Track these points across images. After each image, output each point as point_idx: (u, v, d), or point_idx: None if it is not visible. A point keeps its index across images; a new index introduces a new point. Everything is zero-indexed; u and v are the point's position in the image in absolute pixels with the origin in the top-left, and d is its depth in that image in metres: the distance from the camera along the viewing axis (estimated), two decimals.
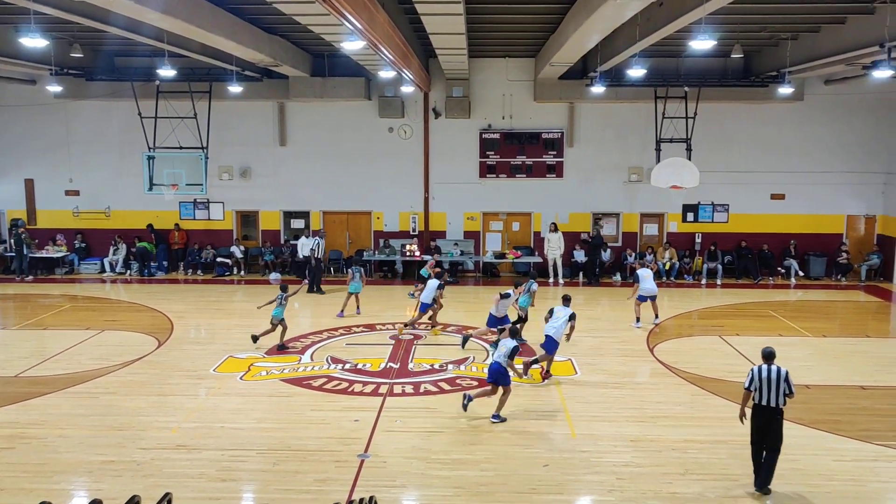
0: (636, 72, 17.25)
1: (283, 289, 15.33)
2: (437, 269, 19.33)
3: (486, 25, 17.47)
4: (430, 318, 16.88)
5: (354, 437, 10.61)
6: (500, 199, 23.57)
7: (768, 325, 17.32)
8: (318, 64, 22.00)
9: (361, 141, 23.43)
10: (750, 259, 22.82)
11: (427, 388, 12.77)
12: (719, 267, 22.65)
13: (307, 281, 21.74)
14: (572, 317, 13.26)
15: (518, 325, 14.23)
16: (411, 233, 23.70)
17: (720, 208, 23.39)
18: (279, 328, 15.08)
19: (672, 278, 22.47)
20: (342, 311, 18.06)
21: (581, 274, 22.73)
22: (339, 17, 10.04)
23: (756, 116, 22.81)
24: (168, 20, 11.71)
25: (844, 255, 22.81)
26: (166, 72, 16.75)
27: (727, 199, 23.27)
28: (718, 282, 22.41)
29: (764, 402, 8.93)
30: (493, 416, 11.25)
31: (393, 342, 15.63)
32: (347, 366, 13.95)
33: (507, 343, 11.39)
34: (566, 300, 13.82)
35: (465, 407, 11.36)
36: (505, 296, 14.97)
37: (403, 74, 18.07)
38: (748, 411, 9.20)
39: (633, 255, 23.12)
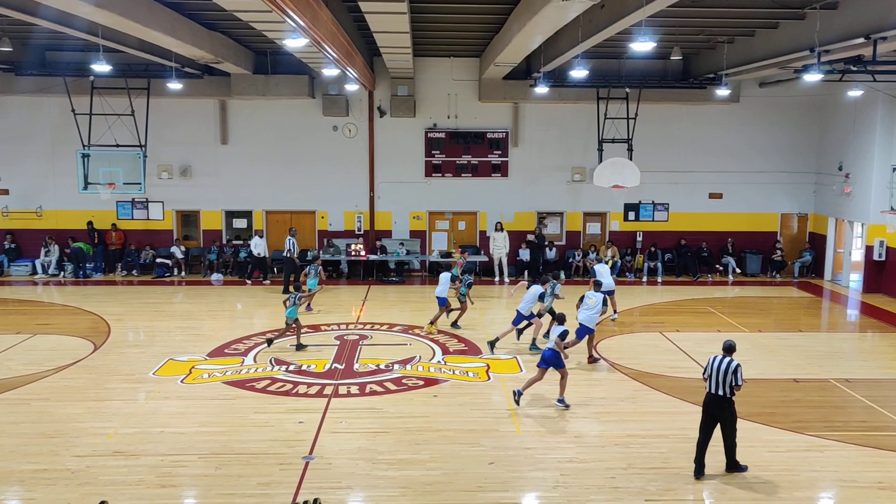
0: (579, 73, 17.49)
1: (297, 288, 15.13)
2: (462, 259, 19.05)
3: (431, 25, 17.46)
4: (445, 314, 16.75)
5: (299, 439, 10.48)
6: (445, 199, 23.61)
7: (707, 322, 17.77)
8: (260, 61, 21.66)
9: (305, 139, 23.17)
10: (689, 257, 23.37)
11: (373, 389, 12.69)
12: (659, 265, 23.14)
13: (265, 281, 21.70)
14: (605, 301, 13.95)
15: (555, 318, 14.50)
16: (356, 232, 23.54)
17: (660, 207, 23.89)
18: (294, 327, 14.94)
19: (614, 276, 22.80)
20: (309, 305, 18.06)
21: (526, 272, 22.91)
22: (281, 15, 9.90)
23: (694, 117, 23.37)
24: (102, 14, 11.36)
25: (779, 252, 23.56)
26: (101, 67, 16.25)
27: (667, 198, 23.78)
28: (659, 279, 22.89)
29: (712, 391, 9.35)
30: (559, 401, 11.82)
31: (338, 343, 15.49)
32: (292, 367, 13.77)
33: (558, 330, 11.87)
34: (598, 285, 14.60)
35: (517, 402, 11.77)
36: (539, 295, 14.94)
37: (348, 73, 17.93)
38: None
39: (579, 253, 23.42)
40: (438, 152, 23.27)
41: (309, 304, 18.04)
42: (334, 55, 14.16)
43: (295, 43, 12.94)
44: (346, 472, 9.54)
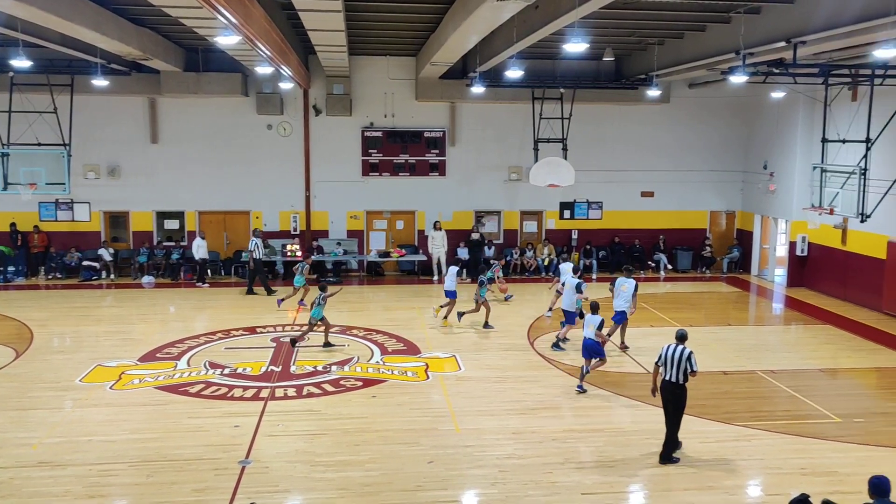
0: (514, 73, 17.67)
1: (323, 289, 15.09)
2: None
3: (367, 23, 17.35)
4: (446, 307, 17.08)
5: (235, 444, 10.28)
6: (383, 198, 23.51)
7: (640, 317, 18.07)
8: (191, 58, 21.15)
9: (239, 138, 22.73)
10: (622, 254, 23.86)
11: (310, 391, 12.55)
12: (594, 262, 23.57)
13: (203, 284, 21.25)
14: (635, 288, 14.71)
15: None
16: (292, 232, 23.23)
17: (595, 206, 24.32)
18: (323, 326, 14.93)
19: (550, 273, 23.15)
20: (302, 300, 18.42)
21: (465, 271, 22.99)
22: (211, 11, 9.67)
23: (627, 117, 23.87)
24: (21, 7, 10.88)
25: (708, 248, 24.28)
26: (20, 63, 15.57)
27: (601, 196, 24.23)
28: (594, 276, 23.27)
29: (666, 377, 9.83)
30: (578, 386, 12.63)
31: (275, 345, 15.25)
32: (227, 370, 13.49)
33: (594, 319, 12.53)
34: (629, 272, 15.44)
35: (580, 387, 12.53)
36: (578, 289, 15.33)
37: (282, 71, 17.67)
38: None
39: (516, 251, 23.65)
40: (375, 151, 23.16)
41: (283, 300, 18.47)
42: (268, 53, 13.94)
43: (227, 40, 12.68)
44: (283, 475, 9.40)
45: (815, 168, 17.85)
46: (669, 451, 9.86)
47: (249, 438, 10.46)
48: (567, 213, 24.28)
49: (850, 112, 17.23)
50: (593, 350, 12.49)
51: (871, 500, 6.22)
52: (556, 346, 15.05)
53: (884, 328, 17.10)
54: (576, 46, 12.48)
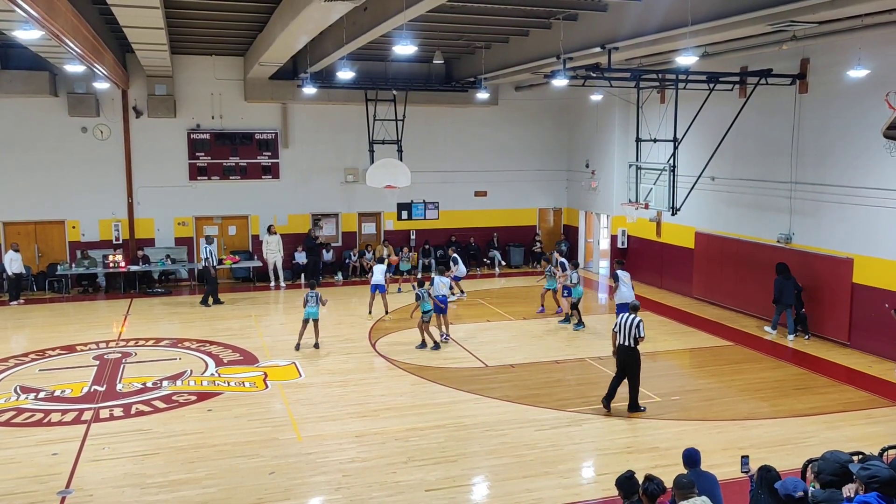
0: (345, 74, 17.59)
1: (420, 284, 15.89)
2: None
3: (190, 21, 16.57)
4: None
5: (53, 473, 9.45)
6: (213, 203, 22.57)
7: (477, 313, 18.69)
8: None
9: (49, 142, 20.93)
10: (459, 252, 24.37)
11: (139, 409, 11.80)
12: (433, 261, 23.93)
13: (17, 302, 19.40)
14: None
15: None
16: (115, 242, 21.72)
17: (431, 206, 24.73)
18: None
19: (390, 274, 23.25)
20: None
21: (303, 276, 22.60)
22: (7, 2, 8.82)
23: (459, 119, 24.48)
24: None
25: (538, 244, 25.42)
26: None
27: (437, 197, 24.67)
28: (433, 275, 23.61)
29: (621, 342, 11.46)
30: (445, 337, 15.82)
31: (98, 363, 14.20)
32: (42, 394, 12.39)
33: (445, 280, 16.23)
34: (621, 264, 17.02)
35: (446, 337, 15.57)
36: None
37: (96, 70, 16.48)
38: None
39: (355, 253, 23.54)
40: (203, 154, 22.20)
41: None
42: (78, 50, 12.95)
43: (28, 35, 11.62)
44: (110, 501, 8.76)
45: (630, 166, 19.12)
46: (635, 401, 11.51)
47: (70, 466, 9.67)
48: (405, 214, 24.49)
49: (660, 113, 18.65)
50: (446, 304, 15.80)
51: (685, 471, 6.77)
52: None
53: (694, 312, 18.69)
54: (405, 49, 12.59)
